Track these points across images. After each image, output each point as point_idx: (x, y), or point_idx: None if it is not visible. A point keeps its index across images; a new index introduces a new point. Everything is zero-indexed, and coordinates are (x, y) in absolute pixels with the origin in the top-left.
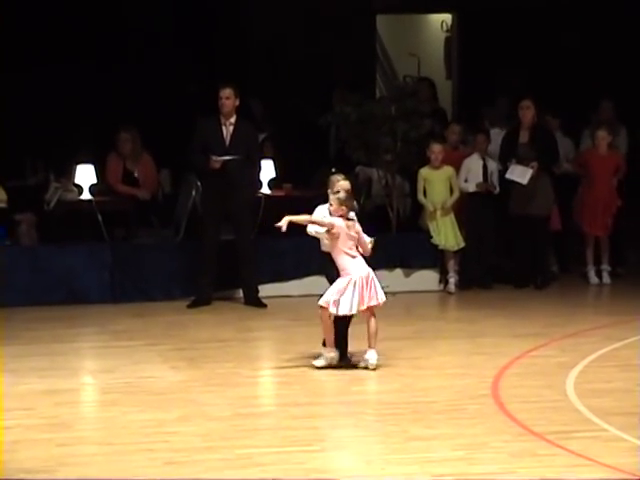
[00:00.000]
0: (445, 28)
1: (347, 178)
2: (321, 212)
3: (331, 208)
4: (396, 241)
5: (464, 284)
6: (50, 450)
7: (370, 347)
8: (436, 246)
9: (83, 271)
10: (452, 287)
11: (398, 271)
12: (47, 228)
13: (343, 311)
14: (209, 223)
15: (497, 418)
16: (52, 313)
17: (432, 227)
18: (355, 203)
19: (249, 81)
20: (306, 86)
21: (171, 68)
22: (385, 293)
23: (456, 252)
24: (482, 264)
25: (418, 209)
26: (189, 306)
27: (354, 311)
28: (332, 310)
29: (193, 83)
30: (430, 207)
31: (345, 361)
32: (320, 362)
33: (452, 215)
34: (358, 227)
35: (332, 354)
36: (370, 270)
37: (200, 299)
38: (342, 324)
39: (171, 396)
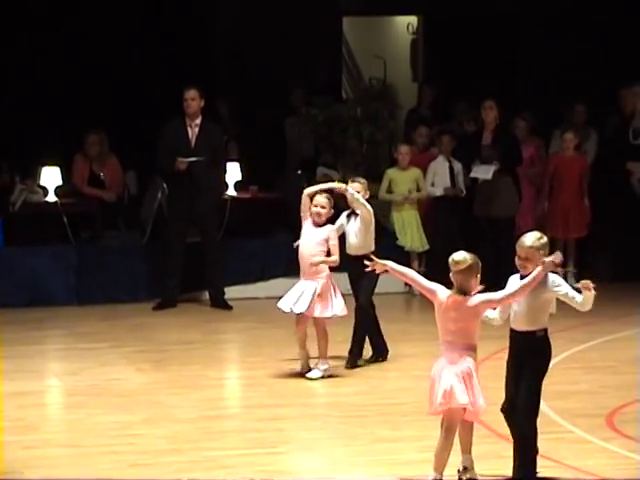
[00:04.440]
0: (411, 30)
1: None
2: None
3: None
4: None
5: None
6: (16, 452)
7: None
8: (402, 248)
9: (48, 273)
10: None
11: None
12: (12, 230)
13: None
14: (175, 225)
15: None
16: (17, 315)
17: (398, 228)
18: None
19: (215, 82)
20: (271, 87)
21: (137, 69)
22: (351, 294)
23: (421, 254)
24: (448, 266)
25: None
26: (155, 308)
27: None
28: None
29: (159, 84)
30: (397, 197)
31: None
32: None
33: (417, 217)
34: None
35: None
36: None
37: (166, 301)
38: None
39: (137, 398)
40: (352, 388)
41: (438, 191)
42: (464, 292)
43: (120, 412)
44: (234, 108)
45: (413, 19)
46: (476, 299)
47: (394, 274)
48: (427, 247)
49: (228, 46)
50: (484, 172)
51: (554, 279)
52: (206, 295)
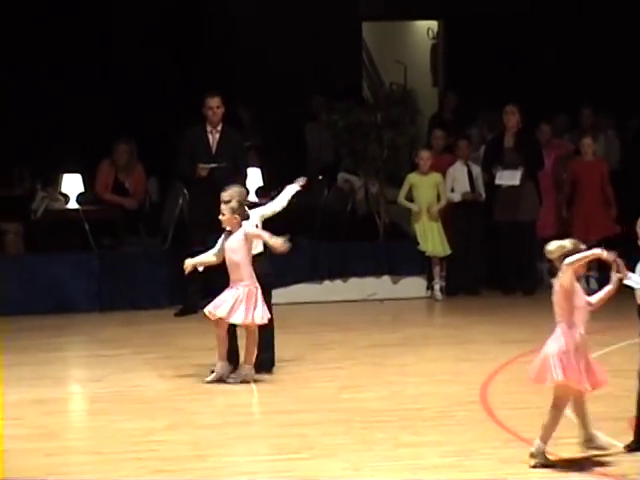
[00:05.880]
0: (431, 35)
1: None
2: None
3: (223, 218)
4: (383, 248)
5: (452, 291)
6: (39, 459)
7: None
8: (423, 253)
9: (70, 280)
10: (438, 294)
11: (386, 278)
12: (34, 237)
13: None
14: (196, 231)
15: (486, 425)
16: (39, 322)
17: (419, 233)
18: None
19: (235, 88)
20: (291, 93)
21: (157, 76)
22: (373, 300)
23: (442, 259)
24: (469, 270)
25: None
26: (176, 314)
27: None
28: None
29: (179, 91)
30: (415, 208)
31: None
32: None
33: (439, 222)
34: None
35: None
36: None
37: (187, 307)
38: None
39: (159, 404)
40: (373, 393)
41: (456, 197)
42: None
43: (142, 418)
44: (256, 115)
45: (433, 24)
46: (557, 283)
47: None
48: (449, 252)
49: (247, 52)
50: (510, 177)
51: None
52: None
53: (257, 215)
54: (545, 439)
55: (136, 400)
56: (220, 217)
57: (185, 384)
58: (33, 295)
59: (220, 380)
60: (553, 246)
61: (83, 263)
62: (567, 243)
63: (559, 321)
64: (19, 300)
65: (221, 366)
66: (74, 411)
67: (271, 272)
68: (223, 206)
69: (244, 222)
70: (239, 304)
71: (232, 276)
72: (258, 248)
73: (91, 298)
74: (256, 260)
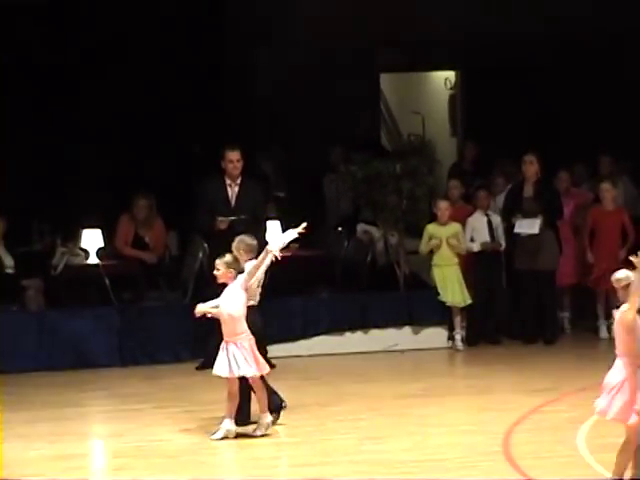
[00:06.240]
0: (449, 86)
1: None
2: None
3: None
4: (404, 299)
5: (473, 340)
6: None
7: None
8: (444, 303)
9: (91, 335)
10: (459, 343)
11: (407, 328)
12: (54, 293)
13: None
14: (215, 284)
15: (509, 474)
16: (60, 378)
17: (439, 282)
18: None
19: (254, 140)
20: (310, 145)
21: (177, 131)
22: (394, 351)
23: (463, 309)
24: (490, 320)
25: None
26: (198, 368)
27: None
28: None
29: (198, 144)
30: (437, 241)
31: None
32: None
33: (459, 272)
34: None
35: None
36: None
37: (208, 361)
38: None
39: (182, 459)
40: (395, 444)
41: (476, 247)
42: None
43: (165, 473)
44: (279, 167)
45: (451, 74)
46: (618, 315)
47: None
48: (469, 301)
49: (265, 105)
50: (529, 226)
51: None
52: None
53: (250, 266)
54: (619, 473)
55: (158, 455)
56: (215, 272)
57: (207, 438)
58: (54, 350)
59: (226, 437)
60: (621, 274)
61: (104, 318)
62: (633, 274)
63: (619, 354)
64: (40, 356)
65: (229, 423)
66: (97, 467)
67: (263, 325)
68: (218, 261)
69: (239, 275)
70: (248, 357)
71: (227, 329)
72: (250, 301)
73: (112, 353)
74: (249, 313)
